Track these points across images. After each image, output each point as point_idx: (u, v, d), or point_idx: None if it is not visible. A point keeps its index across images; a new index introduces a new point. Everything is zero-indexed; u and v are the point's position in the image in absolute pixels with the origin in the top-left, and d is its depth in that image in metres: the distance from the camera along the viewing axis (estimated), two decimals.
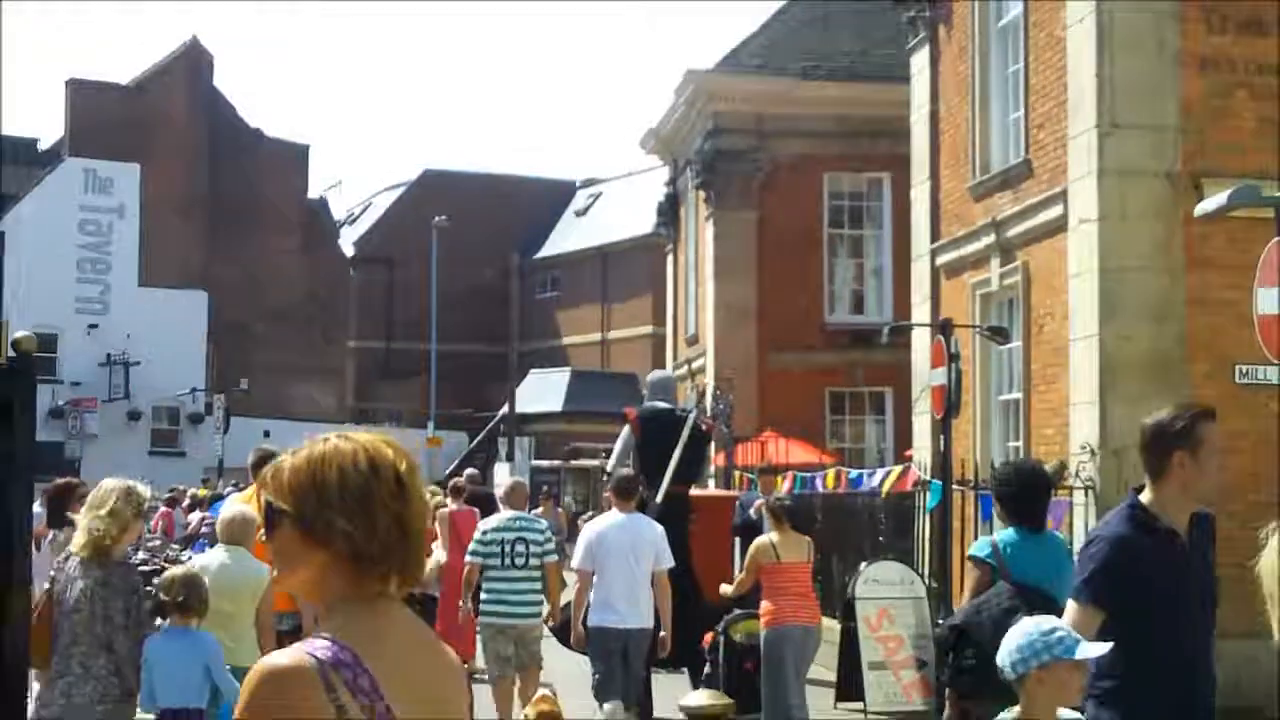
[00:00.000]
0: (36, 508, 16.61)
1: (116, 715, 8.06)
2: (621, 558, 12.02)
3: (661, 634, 12.20)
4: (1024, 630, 5.11)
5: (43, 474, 19.77)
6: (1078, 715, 3.55)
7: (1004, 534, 8.44)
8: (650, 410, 15.29)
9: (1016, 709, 4.70)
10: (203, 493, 28.64)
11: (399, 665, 2.88)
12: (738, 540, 17.91)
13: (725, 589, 12.62)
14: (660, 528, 12.61)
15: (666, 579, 12.20)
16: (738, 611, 13.18)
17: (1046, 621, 5.07)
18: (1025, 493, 8.59)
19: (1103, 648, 3.81)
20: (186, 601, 8.13)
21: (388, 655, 2.86)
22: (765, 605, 12.35)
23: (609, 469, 13.70)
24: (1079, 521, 16.04)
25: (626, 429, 15.13)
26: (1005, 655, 5.01)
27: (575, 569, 12.43)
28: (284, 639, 10.53)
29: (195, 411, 55.16)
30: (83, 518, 8.40)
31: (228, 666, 9.67)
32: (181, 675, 8.01)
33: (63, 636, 8.11)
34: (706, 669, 13.61)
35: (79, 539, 8.37)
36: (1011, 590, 8.04)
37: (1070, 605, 6.02)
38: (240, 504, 11.22)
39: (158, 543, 23.26)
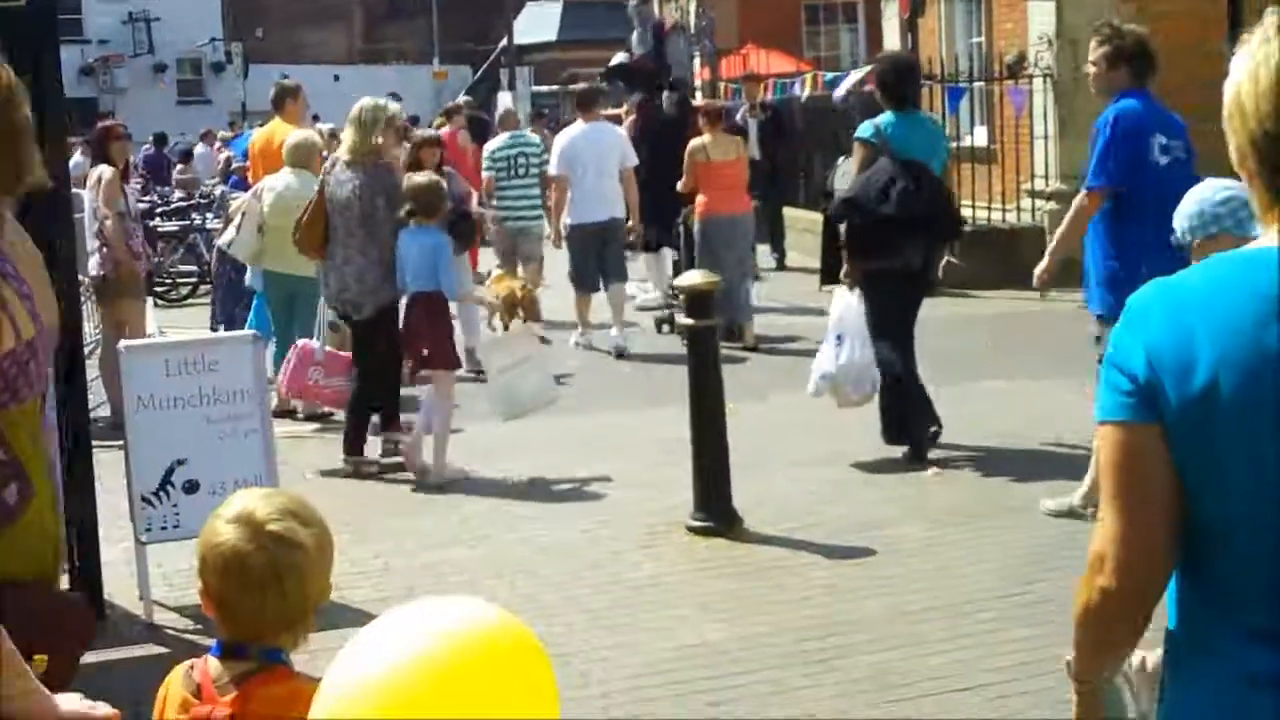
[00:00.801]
0: (78, 156, 16.67)
1: (381, 292, 8.70)
2: (590, 161, 12.68)
3: (629, 222, 13.00)
4: (1198, 198, 4.94)
5: (83, 128, 19.74)
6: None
7: (884, 117, 8.75)
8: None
9: None
10: (229, 134, 28.62)
11: (15, 251, 3.01)
12: None
13: (679, 186, 13.07)
14: (621, 131, 13.67)
15: (632, 175, 12.94)
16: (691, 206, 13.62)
17: (1223, 190, 4.84)
18: (901, 79, 8.90)
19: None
20: (430, 204, 8.56)
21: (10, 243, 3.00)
22: (699, 198, 12.84)
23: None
24: (1038, 106, 16.06)
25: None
26: (1180, 219, 4.95)
27: (553, 176, 13.18)
28: None
29: (216, 61, 54.52)
30: (345, 130, 9.13)
31: (297, 277, 10.20)
32: (424, 264, 8.53)
33: (337, 230, 8.80)
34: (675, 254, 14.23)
35: (343, 149, 9.01)
36: (892, 164, 8.47)
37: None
38: (303, 131, 11.38)
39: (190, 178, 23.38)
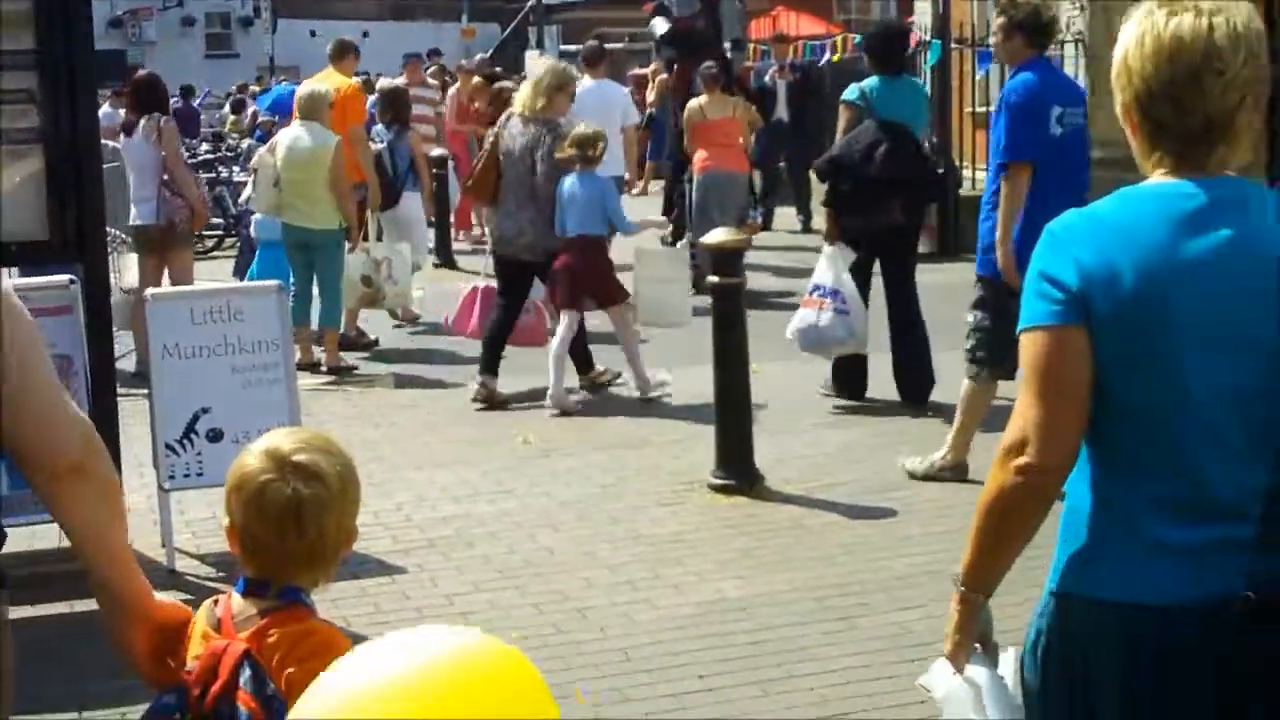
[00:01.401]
0: (106, 108, 16.72)
1: (549, 238, 9.18)
2: (593, 116, 12.61)
3: (627, 177, 13.37)
4: None
5: (113, 81, 19.75)
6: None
7: (869, 81, 9.12)
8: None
9: None
10: (257, 88, 28.59)
11: None
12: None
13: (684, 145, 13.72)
14: (625, 90, 14.21)
15: (632, 132, 13.61)
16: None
17: None
18: (886, 45, 9.35)
19: None
20: (593, 153, 9.16)
21: None
22: (696, 155, 13.22)
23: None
24: (1068, 70, 15.94)
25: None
26: None
27: None
28: (356, 208, 11.01)
29: (245, 15, 54.44)
30: (523, 87, 9.94)
31: (308, 229, 10.31)
32: (590, 209, 9.05)
33: (507, 179, 9.37)
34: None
35: (518, 104, 9.61)
36: (876, 126, 8.76)
37: None
38: (314, 82, 11.59)
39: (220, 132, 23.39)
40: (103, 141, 8.26)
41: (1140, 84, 2.55)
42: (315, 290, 10.71)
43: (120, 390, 6.63)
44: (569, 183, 9.11)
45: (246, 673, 2.44)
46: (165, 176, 10.10)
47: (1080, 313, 2.49)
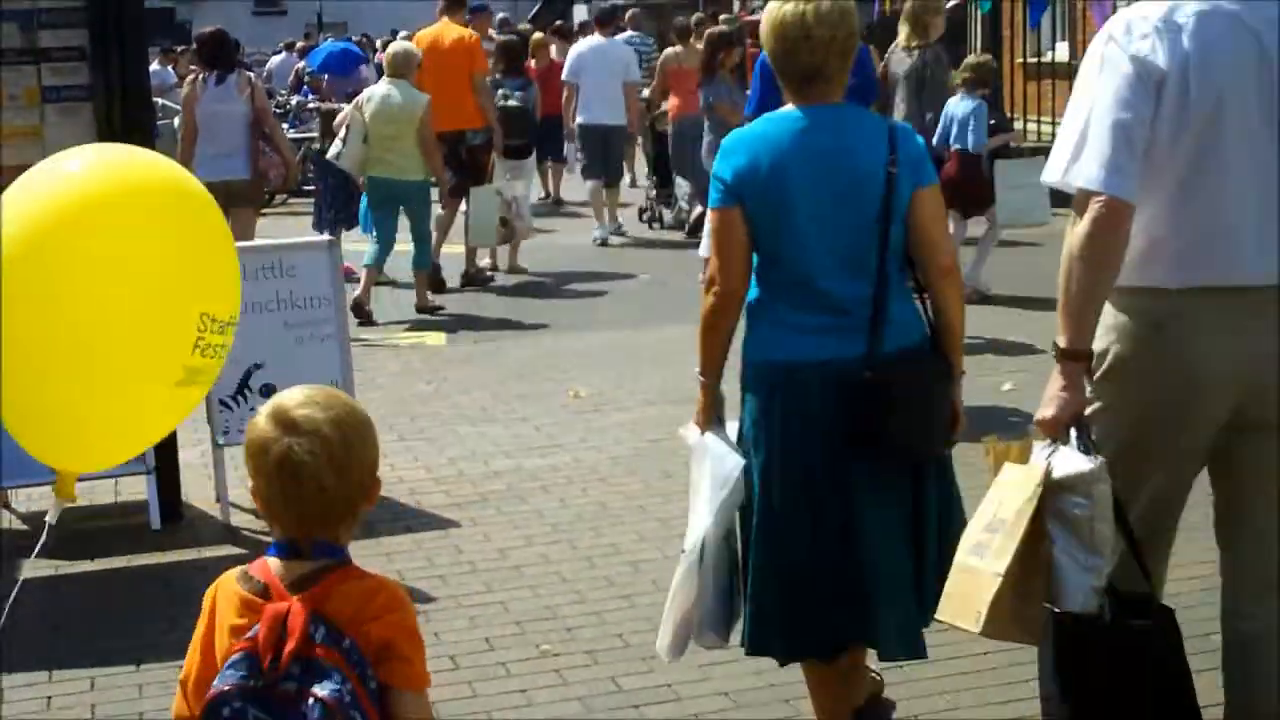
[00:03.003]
0: (154, 65, 16.82)
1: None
2: (597, 71, 14.43)
3: (629, 130, 14.69)
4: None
5: (160, 38, 19.81)
6: None
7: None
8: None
9: None
10: (305, 46, 28.54)
11: None
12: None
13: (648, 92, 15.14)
14: (630, 49, 15.30)
15: (632, 89, 14.54)
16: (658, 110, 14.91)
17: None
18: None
19: None
20: (983, 78, 10.55)
21: None
22: (669, 102, 14.20)
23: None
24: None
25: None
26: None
27: (564, 80, 14.84)
28: (478, 152, 11.93)
29: None
30: (901, 25, 9.90)
31: (397, 180, 10.85)
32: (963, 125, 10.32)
33: (897, 102, 9.70)
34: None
35: (901, 38, 9.77)
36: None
37: None
38: (403, 42, 12.13)
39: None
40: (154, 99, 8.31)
41: (770, 47, 4.02)
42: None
43: None
44: (954, 101, 10.20)
45: (321, 630, 2.41)
46: (264, 131, 10.17)
47: (735, 198, 3.93)
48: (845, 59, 3.97)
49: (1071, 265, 3.33)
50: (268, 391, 6.39)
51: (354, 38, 26.95)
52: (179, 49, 24.09)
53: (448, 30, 12.24)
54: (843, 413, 3.83)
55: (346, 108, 11.47)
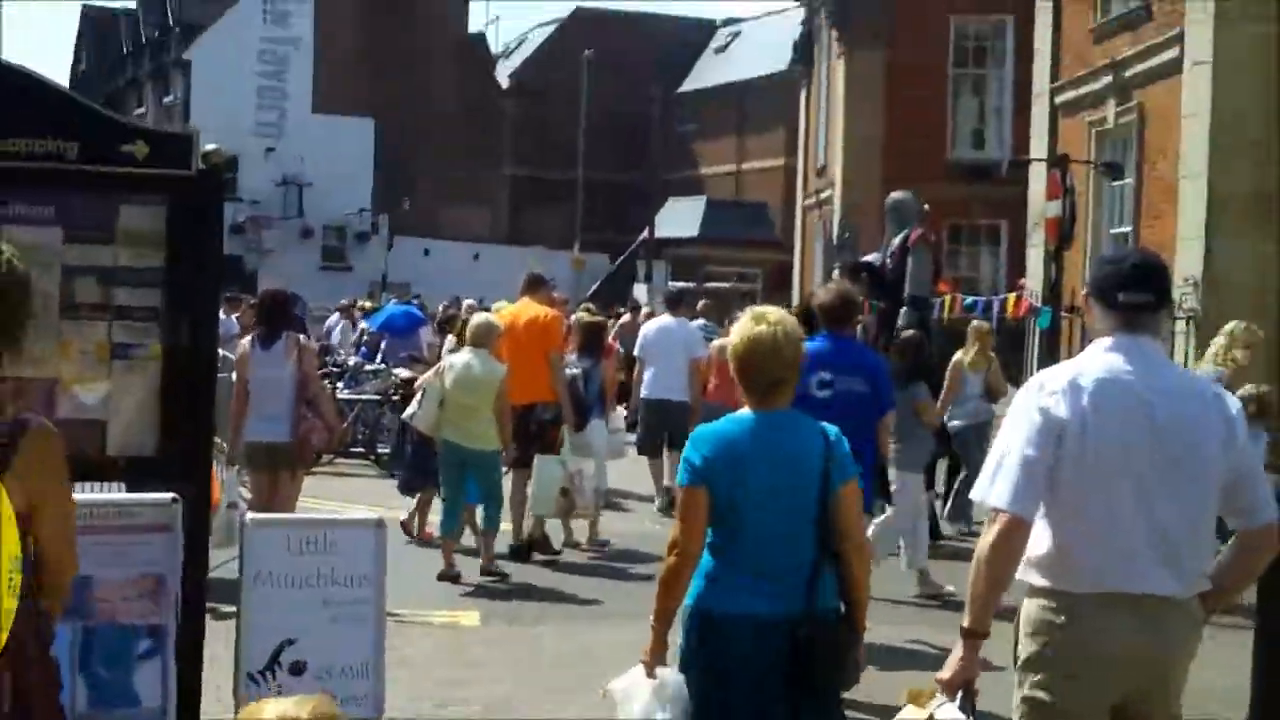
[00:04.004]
0: (221, 314, 17.06)
1: None
2: (665, 349, 15.18)
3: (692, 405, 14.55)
4: None
5: (228, 287, 20.14)
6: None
7: None
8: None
9: None
10: (369, 304, 29.08)
11: None
12: None
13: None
14: (696, 329, 16.04)
15: (697, 365, 14.83)
16: None
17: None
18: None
19: None
20: None
21: None
22: (710, 382, 14.62)
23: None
24: (1179, 347, 15.87)
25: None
26: None
27: (635, 355, 15.88)
28: (548, 427, 12.40)
29: (362, 230, 55.87)
30: None
31: (469, 448, 11.21)
32: None
33: None
34: None
35: None
36: None
37: None
38: (485, 314, 12.62)
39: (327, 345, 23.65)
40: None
41: (741, 360, 4.91)
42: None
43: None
44: None
45: None
46: (309, 397, 10.19)
47: (701, 480, 4.82)
48: (798, 372, 5.02)
49: (979, 564, 4.24)
50: (297, 669, 6.28)
51: (416, 299, 27.41)
52: (245, 299, 24.55)
53: (527, 308, 12.85)
54: (774, 660, 4.71)
55: (427, 374, 11.78)
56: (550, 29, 71.52)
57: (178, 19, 58.65)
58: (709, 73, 67.58)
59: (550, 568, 11.91)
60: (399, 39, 58.59)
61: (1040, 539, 4.26)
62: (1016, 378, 17.15)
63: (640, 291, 37.46)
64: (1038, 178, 20.20)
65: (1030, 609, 4.29)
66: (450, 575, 10.98)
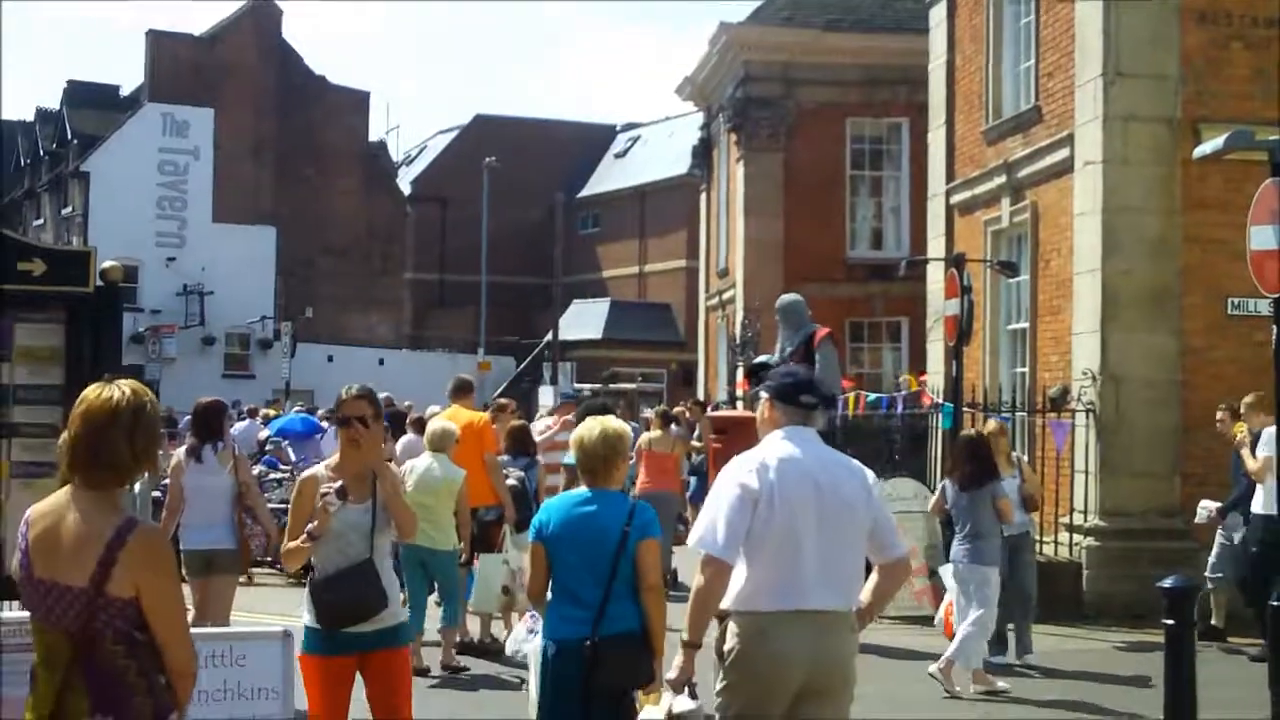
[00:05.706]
0: None
1: None
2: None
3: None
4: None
5: None
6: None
7: None
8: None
9: None
10: (272, 412, 28.81)
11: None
12: None
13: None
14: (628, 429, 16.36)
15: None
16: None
17: None
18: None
19: None
20: None
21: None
22: (639, 478, 16.24)
23: None
24: (1079, 440, 16.07)
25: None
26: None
27: (565, 464, 15.50)
28: (490, 526, 12.73)
29: (264, 338, 55.44)
30: None
31: (429, 549, 11.60)
32: None
33: None
34: None
35: None
36: None
37: None
38: (443, 420, 12.88)
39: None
40: None
41: (583, 449, 6.59)
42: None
43: None
44: None
45: None
46: (247, 504, 10.33)
47: (540, 539, 6.46)
48: (623, 458, 6.65)
49: (696, 594, 5.80)
50: None
51: (317, 409, 27.29)
52: None
53: (458, 414, 13.27)
54: (576, 671, 6.21)
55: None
56: (451, 136, 71.84)
57: (75, 131, 58.28)
58: (610, 177, 68.16)
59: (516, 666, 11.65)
60: (300, 148, 58.65)
61: (739, 575, 5.81)
62: (920, 479, 17.29)
63: (546, 394, 37.38)
64: (936, 275, 20.49)
65: (731, 625, 5.86)
66: (419, 670, 10.89)
